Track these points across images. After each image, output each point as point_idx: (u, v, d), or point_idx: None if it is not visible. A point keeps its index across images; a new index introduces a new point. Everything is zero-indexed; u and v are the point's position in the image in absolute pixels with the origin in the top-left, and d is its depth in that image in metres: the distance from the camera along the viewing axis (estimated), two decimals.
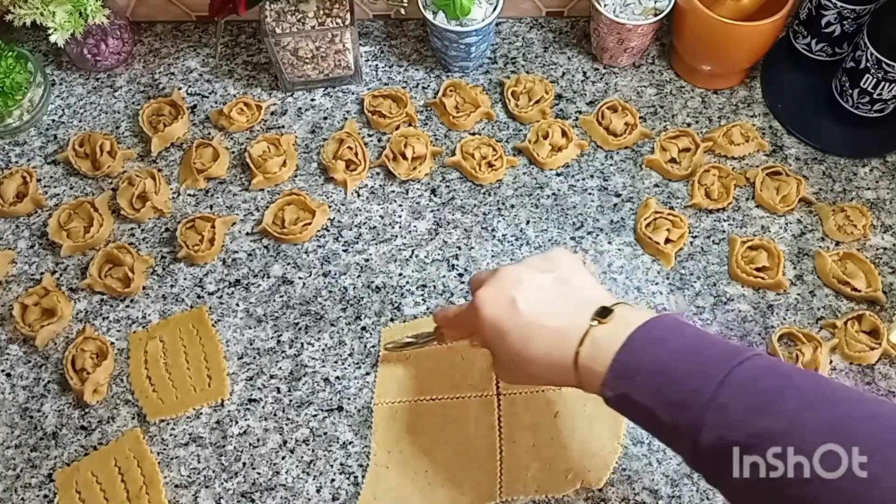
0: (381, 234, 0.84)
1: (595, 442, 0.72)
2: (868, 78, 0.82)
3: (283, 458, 0.73)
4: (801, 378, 0.49)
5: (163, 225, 0.85)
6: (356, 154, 0.87)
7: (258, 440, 0.74)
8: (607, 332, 0.55)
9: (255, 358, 0.78)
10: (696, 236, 0.83)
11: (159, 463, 0.73)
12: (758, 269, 0.80)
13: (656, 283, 0.81)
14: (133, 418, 0.75)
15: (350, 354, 0.78)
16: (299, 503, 0.71)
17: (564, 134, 0.87)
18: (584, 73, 0.94)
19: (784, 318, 0.79)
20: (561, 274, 0.60)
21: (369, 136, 0.90)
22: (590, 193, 0.86)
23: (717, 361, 0.50)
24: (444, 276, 0.81)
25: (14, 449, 0.74)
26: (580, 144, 0.88)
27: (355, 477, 0.72)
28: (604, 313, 0.56)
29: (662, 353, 0.52)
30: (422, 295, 0.80)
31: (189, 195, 0.87)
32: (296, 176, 0.88)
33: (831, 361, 0.76)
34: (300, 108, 0.92)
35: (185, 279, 0.82)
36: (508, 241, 0.83)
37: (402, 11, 0.93)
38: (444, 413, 0.74)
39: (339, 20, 0.86)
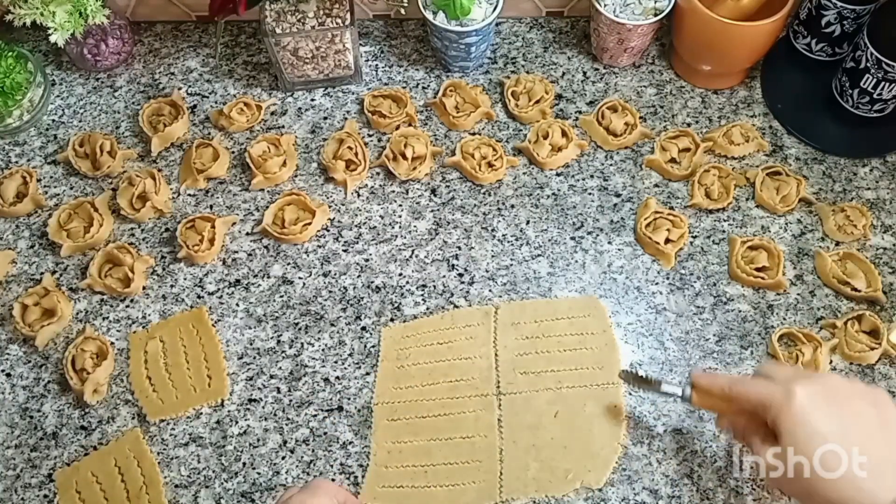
0: (381, 234, 0.84)
1: (595, 442, 0.72)
2: (868, 78, 0.82)
3: (283, 458, 0.73)
4: None
5: (163, 225, 0.85)
6: (356, 154, 0.87)
7: (258, 440, 0.74)
8: None
9: (255, 358, 0.78)
10: (696, 236, 0.83)
11: (159, 463, 0.73)
12: (758, 269, 0.80)
13: (656, 283, 0.81)
14: (133, 418, 0.75)
15: (350, 354, 0.78)
16: None
17: (564, 134, 0.87)
18: (584, 73, 0.94)
19: (784, 318, 0.79)
20: (885, 416, 0.57)
21: (369, 136, 0.90)
22: (590, 193, 0.86)
23: None
24: (444, 276, 0.81)
25: (14, 449, 0.74)
26: (580, 144, 0.88)
27: (355, 477, 0.72)
28: None
29: None
30: (422, 295, 0.80)
31: (189, 195, 0.87)
32: (296, 176, 0.88)
33: (831, 361, 0.76)
34: (300, 108, 0.92)
35: (185, 279, 0.82)
36: (508, 241, 0.83)
37: (402, 11, 0.93)
38: (444, 413, 0.74)
39: (339, 20, 0.86)
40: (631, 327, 0.78)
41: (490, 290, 0.80)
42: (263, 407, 0.75)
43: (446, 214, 0.85)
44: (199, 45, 0.97)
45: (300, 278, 0.82)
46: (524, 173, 0.87)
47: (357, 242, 0.83)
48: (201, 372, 0.77)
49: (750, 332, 0.78)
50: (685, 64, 0.92)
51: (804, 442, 0.56)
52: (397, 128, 0.89)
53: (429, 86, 0.93)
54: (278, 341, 0.78)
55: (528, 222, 0.84)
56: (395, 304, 0.80)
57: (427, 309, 0.80)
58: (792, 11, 0.85)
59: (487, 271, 0.81)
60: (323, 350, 0.78)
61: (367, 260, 0.82)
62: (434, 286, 0.81)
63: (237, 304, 0.80)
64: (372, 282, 0.81)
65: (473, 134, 0.90)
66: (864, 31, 0.80)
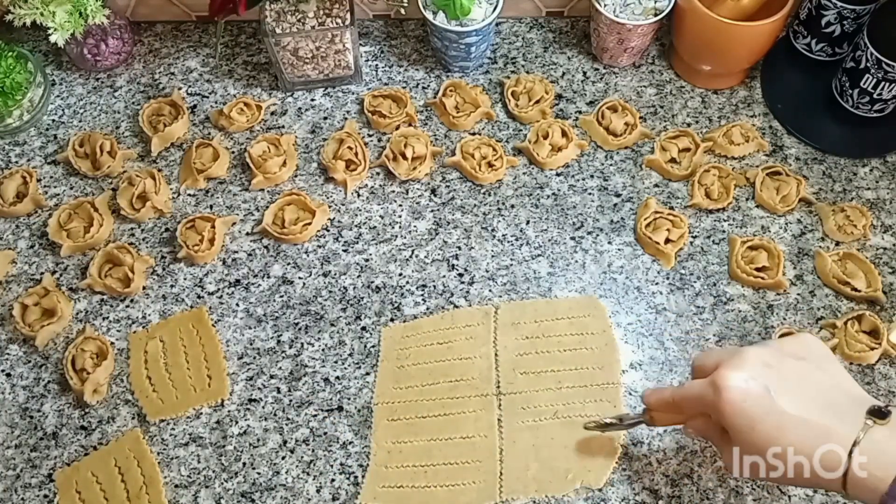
0: (381, 234, 0.84)
1: (595, 442, 0.72)
2: (868, 78, 0.82)
3: (283, 458, 0.73)
4: None
5: (163, 225, 0.85)
6: (356, 154, 0.87)
7: (258, 440, 0.74)
8: (888, 436, 0.51)
9: (255, 358, 0.78)
10: (696, 236, 0.83)
11: (159, 463, 0.73)
12: (758, 269, 0.80)
13: (656, 283, 0.81)
14: (133, 418, 0.75)
15: (350, 354, 0.78)
16: (299, 503, 0.71)
17: (564, 134, 0.87)
18: (584, 73, 0.94)
19: (784, 318, 0.79)
20: (818, 362, 0.56)
21: (369, 136, 0.90)
22: (590, 193, 0.86)
23: None
24: (444, 276, 0.81)
25: (14, 449, 0.74)
26: (580, 144, 0.88)
27: (355, 477, 0.72)
28: (880, 413, 0.51)
29: None
30: (422, 295, 0.80)
31: (189, 195, 0.87)
32: (296, 176, 0.88)
33: None
34: (300, 108, 0.92)
35: (185, 279, 0.82)
36: (508, 241, 0.83)
37: (402, 11, 0.93)
38: (444, 413, 0.74)
39: (339, 20, 0.86)
40: (631, 327, 0.78)
41: (490, 290, 0.80)
42: (263, 407, 0.75)
43: (446, 214, 0.85)
44: (199, 45, 0.97)
45: (300, 278, 0.82)
46: (524, 173, 0.87)
47: (357, 242, 0.83)
48: (201, 372, 0.77)
49: (750, 333, 0.78)
50: (685, 64, 0.92)
51: (747, 432, 0.54)
52: (397, 128, 0.89)
53: (429, 86, 0.93)
54: (278, 341, 0.78)
55: (528, 222, 0.84)
56: (395, 304, 0.80)
57: (427, 309, 0.80)
58: (792, 11, 0.85)
59: (487, 271, 0.81)
60: (323, 350, 0.78)
61: (367, 260, 0.82)
62: (434, 286, 0.81)
63: (237, 304, 0.80)
64: (372, 282, 0.81)
65: (473, 134, 0.90)
66: (864, 31, 0.80)
